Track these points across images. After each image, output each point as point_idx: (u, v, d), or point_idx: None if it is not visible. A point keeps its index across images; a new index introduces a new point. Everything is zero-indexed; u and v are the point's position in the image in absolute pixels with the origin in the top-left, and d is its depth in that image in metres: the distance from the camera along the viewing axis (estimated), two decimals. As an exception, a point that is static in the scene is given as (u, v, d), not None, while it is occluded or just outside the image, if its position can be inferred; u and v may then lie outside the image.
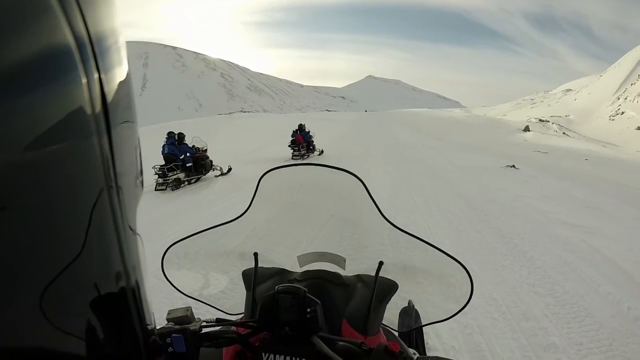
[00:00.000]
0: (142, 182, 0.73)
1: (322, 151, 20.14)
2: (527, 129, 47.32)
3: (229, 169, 14.68)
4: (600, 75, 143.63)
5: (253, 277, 1.40)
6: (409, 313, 1.68)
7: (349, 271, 1.52)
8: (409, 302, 1.64)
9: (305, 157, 19.02)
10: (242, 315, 1.42)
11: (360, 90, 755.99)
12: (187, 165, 13.28)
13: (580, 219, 7.99)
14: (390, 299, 1.42)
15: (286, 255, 1.59)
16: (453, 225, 7.29)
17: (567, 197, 10.40)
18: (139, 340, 0.71)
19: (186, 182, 13.13)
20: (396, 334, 1.68)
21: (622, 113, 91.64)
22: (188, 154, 13.48)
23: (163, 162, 12.81)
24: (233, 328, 1.20)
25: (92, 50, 0.50)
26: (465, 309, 1.37)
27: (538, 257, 5.73)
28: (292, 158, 18.41)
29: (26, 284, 0.46)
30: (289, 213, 1.74)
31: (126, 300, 0.66)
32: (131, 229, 0.65)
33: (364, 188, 1.37)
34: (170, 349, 0.99)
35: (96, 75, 0.51)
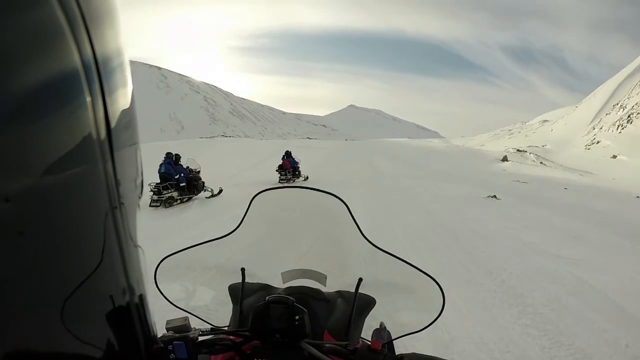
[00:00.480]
0: (142, 190, 0.77)
1: (307, 177, 20.74)
2: (505, 158, 47.75)
3: (220, 191, 15.34)
4: (576, 106, 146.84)
5: (241, 292, 1.50)
6: (381, 334, 1.70)
7: (329, 287, 1.62)
8: (381, 324, 1.70)
9: (291, 181, 19.68)
10: (229, 327, 1.52)
11: (341, 119, 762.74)
12: (181, 185, 14.07)
13: (566, 250, 7.78)
14: (368, 313, 1.53)
15: (270, 272, 1.67)
16: (437, 260, 6.92)
17: (550, 227, 10.21)
18: (143, 348, 0.76)
19: (179, 201, 13.84)
20: None
21: (598, 142, 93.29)
22: (182, 175, 14.29)
23: (158, 180, 13.60)
24: (224, 336, 1.26)
25: (98, 73, 0.52)
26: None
27: (528, 294, 5.41)
28: (279, 182, 19.02)
29: (37, 299, 0.49)
30: (275, 232, 1.81)
31: (130, 310, 0.70)
32: (133, 242, 0.69)
33: (347, 210, 1.48)
34: (172, 356, 1.04)
35: (101, 98, 0.52)
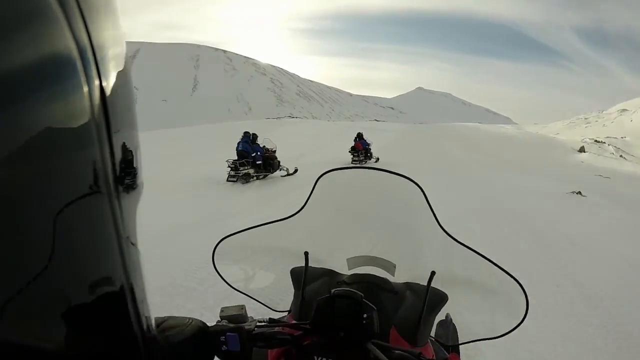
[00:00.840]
0: (142, 184, 0.71)
1: (378, 158, 21.35)
2: (582, 149, 45.27)
3: (295, 170, 15.86)
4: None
5: (303, 277, 1.40)
6: (447, 327, 1.68)
7: (397, 278, 1.50)
8: (447, 316, 1.66)
9: (363, 162, 20.50)
10: (288, 312, 1.45)
11: (409, 102, 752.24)
12: (257, 162, 14.75)
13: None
14: (439, 310, 1.40)
15: (335, 257, 1.55)
16: (525, 271, 5.73)
17: (650, 237, 8.75)
18: (141, 344, 0.71)
19: (254, 178, 14.49)
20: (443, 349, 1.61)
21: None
22: (259, 153, 14.92)
23: (236, 157, 14.37)
24: (282, 329, 1.19)
25: (94, 58, 0.52)
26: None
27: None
28: (351, 162, 20.04)
29: (25, 291, 0.48)
30: (342, 215, 1.76)
31: (126, 304, 0.68)
32: (130, 233, 0.67)
33: (422, 196, 1.37)
34: (224, 347, 1.00)
35: (97, 83, 0.53)
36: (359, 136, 21.79)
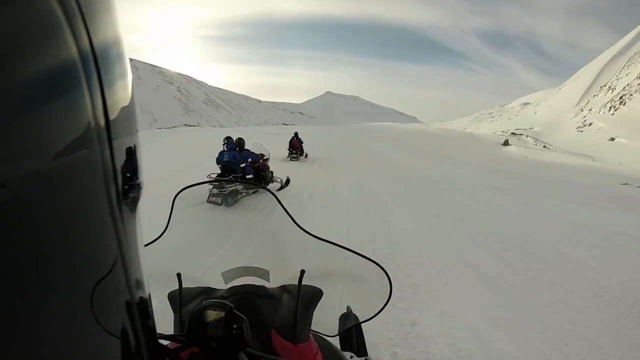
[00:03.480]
0: (141, 184, 0.72)
1: (307, 155, 22.81)
2: (506, 142, 44.79)
3: (287, 181, 13.16)
4: (559, 89, 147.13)
5: (178, 298, 1.41)
6: (348, 317, 1.74)
7: (273, 282, 1.55)
8: (348, 308, 1.72)
9: (299, 158, 21.99)
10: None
11: (319, 106, 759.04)
12: (247, 176, 11.41)
13: None
14: (316, 305, 1.43)
15: (210, 273, 1.58)
16: None
17: None
18: (145, 353, 0.73)
19: (244, 194, 10.79)
20: (329, 339, 1.68)
21: (590, 124, 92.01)
22: (250, 160, 11.91)
23: (219, 171, 11.34)
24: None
25: (96, 64, 0.52)
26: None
27: None
28: (290, 159, 21.40)
29: (29, 292, 0.47)
30: (208, 229, 1.79)
31: (130, 311, 0.68)
32: (134, 239, 0.68)
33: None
34: None
35: (99, 89, 0.53)
36: (296, 135, 22.99)
